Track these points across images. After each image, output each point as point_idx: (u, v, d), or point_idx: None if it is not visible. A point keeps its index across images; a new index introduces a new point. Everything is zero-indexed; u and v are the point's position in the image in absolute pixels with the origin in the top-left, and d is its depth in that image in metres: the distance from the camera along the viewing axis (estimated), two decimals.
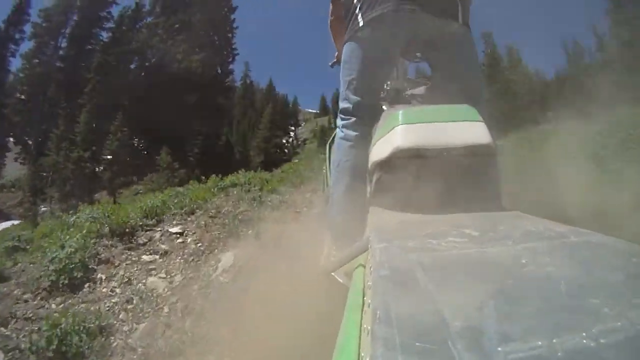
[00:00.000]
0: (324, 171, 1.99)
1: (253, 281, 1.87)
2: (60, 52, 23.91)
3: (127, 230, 3.16)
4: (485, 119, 0.73)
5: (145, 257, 2.79)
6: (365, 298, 0.42)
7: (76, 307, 2.15)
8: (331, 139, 1.73)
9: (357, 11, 1.05)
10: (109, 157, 20.23)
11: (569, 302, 0.31)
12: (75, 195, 17.59)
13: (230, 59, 26.64)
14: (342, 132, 1.11)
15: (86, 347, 1.75)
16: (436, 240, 0.48)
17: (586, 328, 0.27)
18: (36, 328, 1.92)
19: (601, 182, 2.30)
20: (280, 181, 5.41)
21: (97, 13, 23.23)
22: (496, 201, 0.75)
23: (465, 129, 0.71)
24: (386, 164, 0.77)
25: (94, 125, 20.24)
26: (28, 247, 3.79)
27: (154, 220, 3.42)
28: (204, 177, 5.59)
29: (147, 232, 3.21)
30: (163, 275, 2.45)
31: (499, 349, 0.26)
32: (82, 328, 1.83)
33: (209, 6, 23.72)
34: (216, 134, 23.90)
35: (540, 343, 0.26)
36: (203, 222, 3.24)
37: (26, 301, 2.29)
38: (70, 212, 4.82)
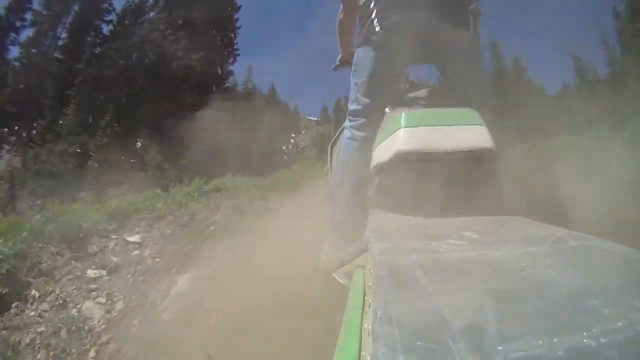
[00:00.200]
0: (326, 172, 2.01)
1: (202, 323, 1.44)
2: (60, 43, 23.73)
3: (80, 235, 2.76)
4: (489, 123, 0.74)
5: (90, 273, 2.46)
6: (365, 298, 0.43)
7: None
8: (333, 140, 1.80)
9: (373, 16, 1.09)
10: (97, 152, 19.74)
11: (569, 303, 0.31)
12: (57, 192, 16.86)
13: (231, 60, 26.47)
14: (350, 132, 1.14)
15: None
16: (436, 242, 0.49)
17: (586, 328, 0.27)
18: None
19: None
20: (271, 187, 5.04)
21: (98, 4, 23.15)
22: (497, 204, 0.74)
23: (466, 133, 0.72)
24: (388, 167, 0.77)
25: (83, 119, 19.80)
26: None
27: (114, 225, 3.00)
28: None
29: (103, 239, 2.83)
30: (103, 300, 2.08)
31: (500, 348, 0.26)
32: None
33: (212, 4, 23.65)
34: (212, 135, 23.61)
35: (540, 342, 0.26)
36: (169, 231, 2.84)
37: None
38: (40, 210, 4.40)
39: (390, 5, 1.09)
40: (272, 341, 1.06)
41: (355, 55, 1.19)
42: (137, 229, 3.02)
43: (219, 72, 26.25)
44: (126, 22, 23.67)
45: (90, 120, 20.02)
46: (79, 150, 19.28)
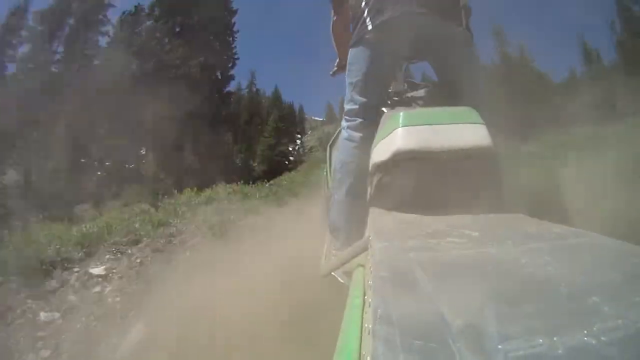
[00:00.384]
0: (324, 173, 1.99)
1: None
2: (57, 57, 23.97)
3: (43, 267, 2.49)
4: (487, 121, 0.74)
5: (42, 316, 2.13)
6: (365, 297, 0.44)
7: None
8: (331, 141, 1.81)
9: (365, 15, 1.10)
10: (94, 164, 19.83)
11: (569, 301, 0.32)
12: (51, 206, 16.20)
13: (230, 64, 26.59)
14: (347, 133, 1.16)
15: None
16: (436, 240, 0.49)
17: (587, 326, 0.27)
18: None
19: None
20: (268, 196, 4.95)
21: (94, 16, 23.39)
22: (497, 203, 0.75)
23: (465, 132, 0.73)
24: (386, 166, 0.78)
25: (78, 130, 19.83)
26: None
27: (82, 253, 2.75)
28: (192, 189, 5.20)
29: (65, 272, 2.54)
30: (47, 353, 1.83)
31: (500, 346, 0.26)
32: None
33: (207, 9, 23.81)
34: (214, 142, 23.64)
35: (540, 341, 0.27)
36: (139, 260, 2.66)
37: None
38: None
39: (381, 3, 1.10)
40: None
41: (349, 55, 1.18)
42: (106, 257, 2.75)
43: (219, 77, 26.45)
44: (122, 32, 23.89)
45: (89, 131, 20.15)
46: (74, 161, 19.33)
